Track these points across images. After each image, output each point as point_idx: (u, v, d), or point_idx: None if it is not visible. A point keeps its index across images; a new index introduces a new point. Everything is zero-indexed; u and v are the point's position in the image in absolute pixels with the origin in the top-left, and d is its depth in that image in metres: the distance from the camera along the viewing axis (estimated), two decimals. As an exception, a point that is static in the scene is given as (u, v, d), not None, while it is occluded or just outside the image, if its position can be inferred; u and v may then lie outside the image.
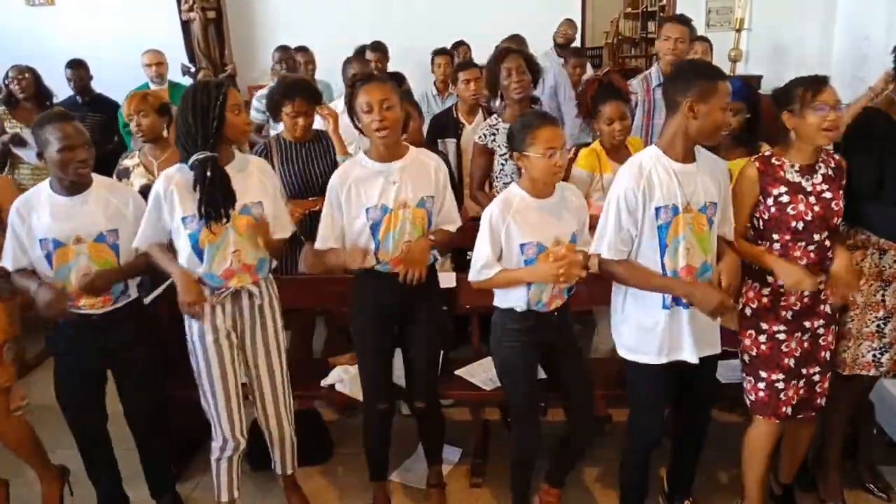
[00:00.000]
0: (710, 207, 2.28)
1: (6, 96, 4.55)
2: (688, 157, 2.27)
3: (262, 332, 2.56)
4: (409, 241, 2.46)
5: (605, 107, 2.91)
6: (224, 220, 2.35)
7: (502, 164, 3.19)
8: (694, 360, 2.33)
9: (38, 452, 2.87)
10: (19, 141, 4.44)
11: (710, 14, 6.45)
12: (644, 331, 2.36)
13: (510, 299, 2.44)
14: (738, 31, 6.18)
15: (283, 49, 5.19)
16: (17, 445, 2.82)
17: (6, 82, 4.52)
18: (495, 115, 3.28)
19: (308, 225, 2.93)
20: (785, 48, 6.19)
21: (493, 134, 3.21)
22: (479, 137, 3.26)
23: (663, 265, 2.28)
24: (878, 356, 2.53)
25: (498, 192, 3.15)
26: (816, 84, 2.26)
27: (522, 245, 2.35)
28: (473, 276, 2.43)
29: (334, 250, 2.51)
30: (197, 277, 2.43)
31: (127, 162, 3.35)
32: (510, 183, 3.07)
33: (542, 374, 2.63)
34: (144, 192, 3.08)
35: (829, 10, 5.87)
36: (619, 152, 2.97)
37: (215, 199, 2.31)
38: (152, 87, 5.00)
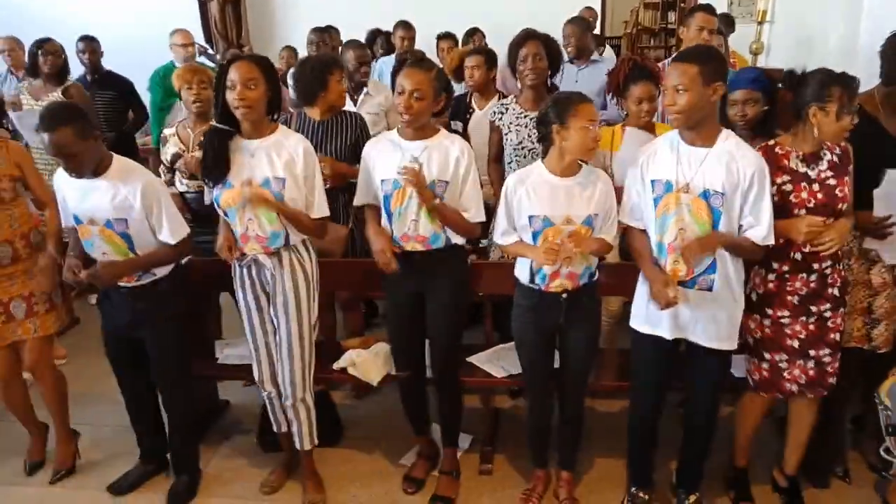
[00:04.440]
0: (714, 196, 2.25)
1: (31, 68, 4.50)
2: (698, 139, 2.27)
3: (281, 301, 2.61)
4: (415, 220, 2.52)
5: (635, 87, 2.93)
6: (210, 185, 2.54)
7: (504, 144, 3.25)
8: (668, 336, 2.41)
9: (64, 408, 3.03)
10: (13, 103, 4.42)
11: (732, 6, 6.36)
12: (640, 298, 2.49)
13: (520, 269, 2.56)
14: (761, 23, 6.11)
15: (318, 31, 5.17)
16: (52, 395, 2.97)
17: (37, 52, 4.41)
18: (511, 97, 3.31)
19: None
20: (808, 41, 6.10)
21: (502, 113, 3.26)
22: (490, 114, 3.36)
23: (655, 237, 2.37)
24: (869, 330, 2.64)
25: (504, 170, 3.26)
26: (853, 89, 2.28)
27: (531, 217, 2.42)
28: (495, 238, 2.58)
29: (372, 212, 2.65)
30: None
31: (166, 131, 3.40)
32: (511, 162, 3.21)
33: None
34: (175, 159, 3.25)
35: (855, 2, 5.78)
36: (644, 132, 2.96)
37: (205, 165, 2.51)
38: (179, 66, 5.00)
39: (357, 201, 2.70)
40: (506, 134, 3.21)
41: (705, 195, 2.25)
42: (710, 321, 2.37)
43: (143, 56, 5.55)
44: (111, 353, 2.78)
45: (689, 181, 2.26)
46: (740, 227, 2.29)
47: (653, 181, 2.33)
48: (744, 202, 2.26)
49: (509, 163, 3.22)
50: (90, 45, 4.95)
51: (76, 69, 4.93)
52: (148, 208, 2.51)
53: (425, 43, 5.30)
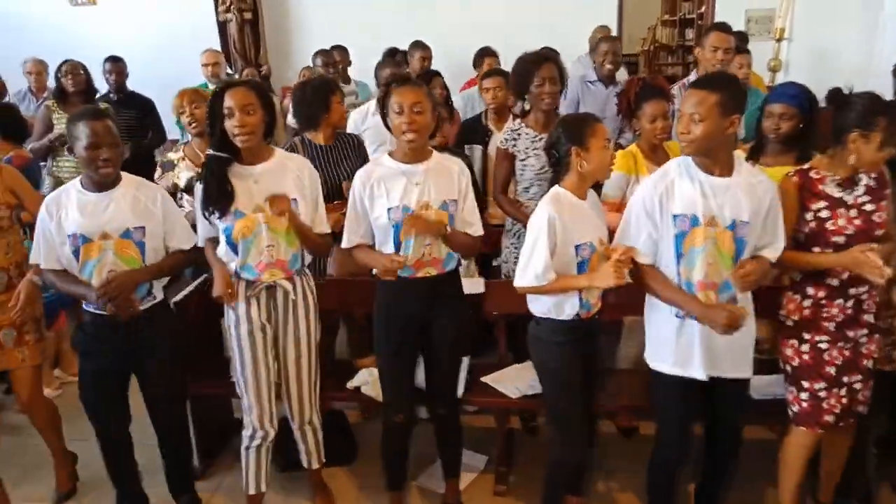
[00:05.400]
0: (740, 226, 2.18)
1: (57, 90, 4.63)
2: (716, 169, 2.20)
3: (293, 327, 2.59)
4: (429, 244, 2.46)
5: (648, 105, 2.89)
6: (217, 216, 2.43)
7: (522, 170, 3.14)
8: (702, 377, 2.27)
9: (58, 436, 3.03)
10: (64, 142, 4.54)
11: (750, 23, 6.33)
12: (660, 338, 2.34)
13: (562, 308, 2.36)
14: (779, 40, 6.08)
15: (325, 53, 5.29)
16: (43, 424, 2.97)
17: (59, 76, 4.59)
18: (518, 121, 3.22)
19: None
20: (827, 58, 6.05)
21: (515, 139, 3.14)
22: (501, 142, 3.22)
23: (679, 275, 2.25)
24: (890, 352, 2.54)
25: (518, 197, 3.16)
26: None
27: (577, 246, 2.30)
28: (529, 281, 2.29)
29: (364, 249, 2.53)
30: (232, 271, 2.51)
31: (171, 155, 3.43)
32: (530, 188, 3.08)
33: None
34: (191, 184, 3.22)
35: (874, 19, 5.74)
36: (657, 153, 2.93)
37: (208, 196, 2.43)
38: (210, 86, 5.12)
39: (348, 243, 2.53)
40: (522, 160, 3.10)
41: (732, 226, 2.18)
42: (737, 351, 2.30)
43: (164, 76, 5.63)
44: (93, 398, 2.61)
45: (717, 213, 2.18)
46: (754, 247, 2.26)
47: (676, 216, 2.21)
48: (763, 226, 2.22)
49: (527, 188, 3.11)
50: (116, 66, 5.09)
51: (101, 88, 5.05)
52: (165, 214, 2.53)
53: (434, 61, 5.33)
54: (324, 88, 3.26)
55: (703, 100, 2.11)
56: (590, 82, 4.59)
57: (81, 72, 4.60)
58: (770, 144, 2.73)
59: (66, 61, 4.61)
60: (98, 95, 4.95)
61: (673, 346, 2.30)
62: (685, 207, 2.20)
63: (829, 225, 2.29)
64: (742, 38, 5.40)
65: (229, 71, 6.50)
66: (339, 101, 3.28)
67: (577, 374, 2.43)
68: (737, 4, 6.19)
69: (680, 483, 2.64)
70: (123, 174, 2.54)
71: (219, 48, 6.49)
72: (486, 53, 5.11)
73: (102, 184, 2.47)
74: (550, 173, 2.94)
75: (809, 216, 2.31)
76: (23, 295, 2.73)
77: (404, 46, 5.55)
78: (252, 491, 2.72)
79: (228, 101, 2.35)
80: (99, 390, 2.61)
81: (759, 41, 6.04)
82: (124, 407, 2.69)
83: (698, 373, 2.28)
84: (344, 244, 2.55)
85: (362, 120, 3.96)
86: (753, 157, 2.74)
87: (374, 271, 2.50)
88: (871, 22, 5.76)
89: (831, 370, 2.38)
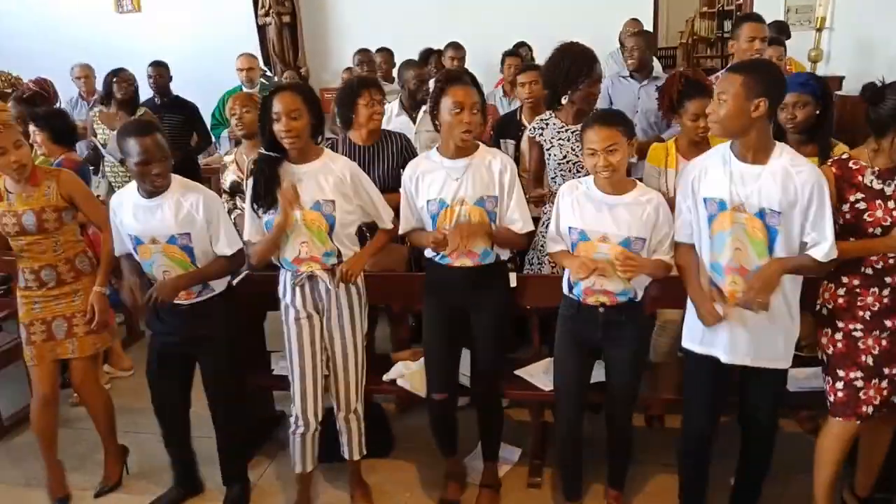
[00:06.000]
0: (770, 215, 2.18)
1: (104, 97, 4.78)
2: (750, 155, 2.20)
3: (337, 317, 2.66)
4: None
5: (691, 103, 2.87)
6: (261, 211, 2.55)
7: (548, 159, 3.17)
8: (725, 360, 2.32)
9: (111, 427, 3.15)
10: (97, 149, 4.73)
11: (790, 13, 6.22)
12: (691, 315, 2.42)
13: (563, 279, 2.57)
14: (819, 30, 5.95)
15: (363, 52, 5.37)
16: (98, 413, 3.10)
17: (112, 80, 4.68)
18: (549, 112, 3.22)
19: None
20: (870, 48, 5.91)
21: (542, 128, 3.18)
22: (530, 131, 3.27)
23: (710, 257, 2.32)
24: None
25: (550, 186, 3.20)
26: None
27: (569, 227, 2.45)
28: (546, 243, 2.62)
29: (416, 232, 2.67)
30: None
31: (226, 158, 3.54)
32: (556, 178, 3.13)
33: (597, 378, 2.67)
34: (234, 187, 3.34)
35: (920, 7, 5.59)
36: (698, 148, 2.89)
37: (256, 192, 2.54)
38: (245, 90, 5.24)
39: (402, 229, 2.70)
40: (548, 149, 3.15)
41: (761, 214, 2.19)
42: (768, 343, 2.30)
43: (205, 80, 5.79)
44: (155, 375, 2.82)
45: (744, 200, 2.20)
46: (804, 243, 2.22)
47: (706, 199, 2.27)
48: (804, 219, 2.19)
49: (553, 178, 3.16)
50: (159, 70, 5.25)
51: (146, 93, 5.20)
52: (208, 219, 2.62)
53: (470, 60, 5.35)
54: (349, 91, 3.30)
55: (731, 81, 2.16)
56: (622, 77, 4.58)
57: (134, 83, 4.75)
58: (788, 136, 2.70)
59: (122, 70, 4.73)
60: (143, 100, 5.11)
61: (700, 324, 2.36)
62: (713, 191, 2.26)
63: (866, 216, 2.27)
64: (782, 28, 5.33)
65: (268, 73, 6.64)
66: (366, 104, 3.26)
67: (567, 352, 2.58)
68: (776, -7, 6.11)
69: (715, 477, 2.64)
70: (173, 177, 2.65)
71: (258, 52, 6.64)
72: (508, 54, 5.17)
73: (153, 190, 2.60)
74: (571, 162, 3.04)
75: (846, 207, 2.29)
76: (96, 308, 2.92)
77: (441, 47, 5.61)
78: (298, 470, 2.84)
79: (276, 106, 2.44)
80: (163, 371, 2.81)
81: (800, 31, 5.93)
82: (184, 391, 2.86)
83: (723, 356, 2.33)
84: (401, 228, 2.70)
85: (386, 122, 3.99)
86: None
87: (427, 251, 2.66)
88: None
89: (868, 359, 2.35)
